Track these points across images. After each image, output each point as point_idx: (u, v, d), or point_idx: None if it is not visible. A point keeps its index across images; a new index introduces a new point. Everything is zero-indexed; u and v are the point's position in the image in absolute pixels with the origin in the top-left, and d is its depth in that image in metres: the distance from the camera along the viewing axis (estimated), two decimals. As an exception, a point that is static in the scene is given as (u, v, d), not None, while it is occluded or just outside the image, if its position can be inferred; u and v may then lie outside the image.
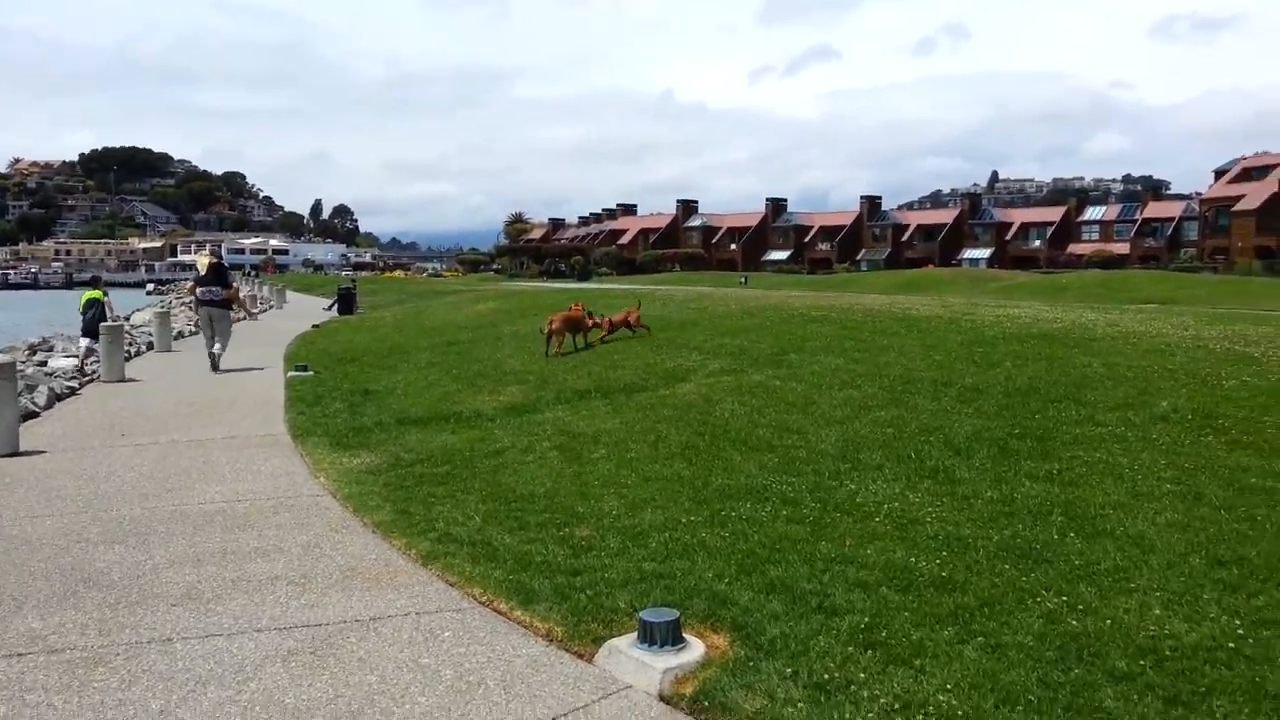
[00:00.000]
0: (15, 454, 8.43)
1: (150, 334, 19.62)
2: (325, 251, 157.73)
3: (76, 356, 15.72)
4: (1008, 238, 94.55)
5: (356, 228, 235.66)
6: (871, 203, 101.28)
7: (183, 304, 35.01)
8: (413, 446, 8.12)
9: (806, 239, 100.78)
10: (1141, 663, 3.51)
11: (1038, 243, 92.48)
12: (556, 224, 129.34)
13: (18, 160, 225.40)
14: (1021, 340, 10.28)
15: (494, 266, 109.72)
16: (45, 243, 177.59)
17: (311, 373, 13.83)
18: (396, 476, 7.06)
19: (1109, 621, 3.82)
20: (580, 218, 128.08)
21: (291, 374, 13.75)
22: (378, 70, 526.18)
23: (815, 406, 7.88)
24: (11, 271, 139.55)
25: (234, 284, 15.85)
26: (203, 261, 15.17)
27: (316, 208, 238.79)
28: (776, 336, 12.21)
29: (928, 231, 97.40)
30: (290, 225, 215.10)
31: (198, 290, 15.04)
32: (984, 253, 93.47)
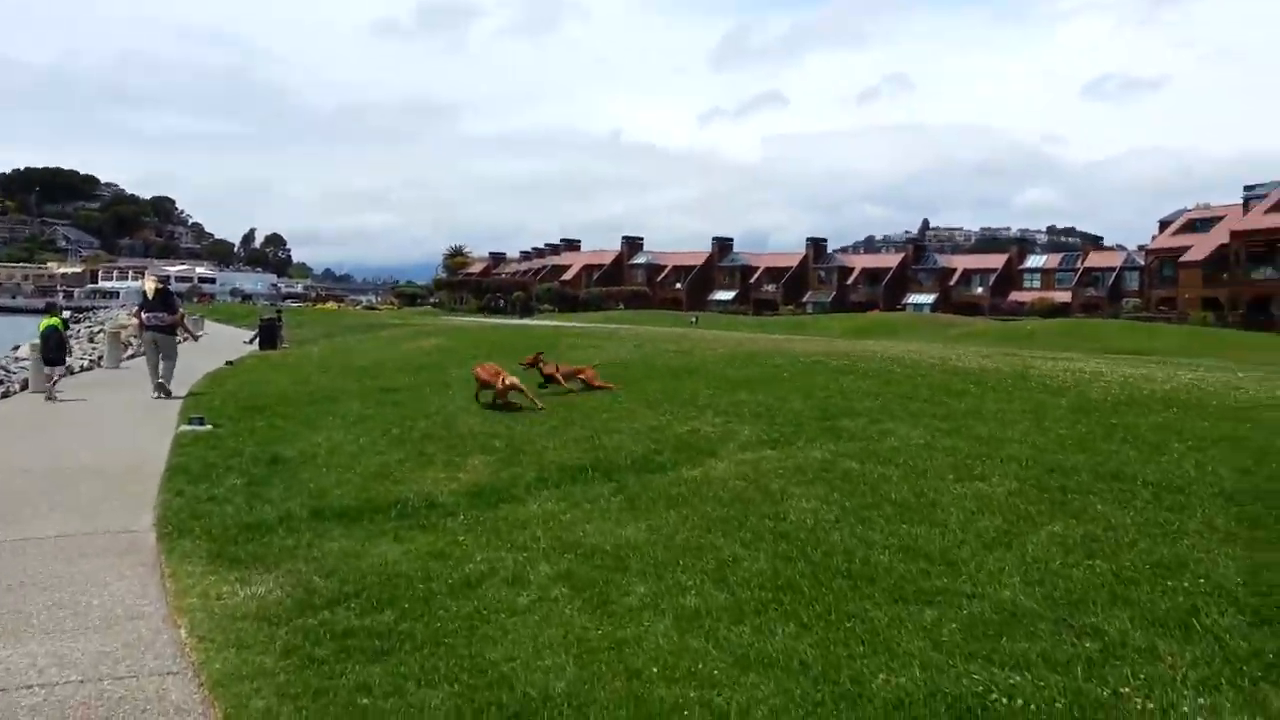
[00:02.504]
0: None
1: (28, 371, 16.33)
2: (255, 281, 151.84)
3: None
4: (951, 283, 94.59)
5: (289, 257, 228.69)
6: (817, 245, 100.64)
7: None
8: (334, 565, 5.35)
9: (752, 279, 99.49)
10: None
11: (980, 289, 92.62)
12: (497, 258, 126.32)
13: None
14: (1147, 408, 7.94)
15: (432, 300, 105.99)
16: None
17: (209, 427, 10.89)
18: (305, 636, 4.30)
19: None
20: (523, 252, 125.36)
21: (183, 428, 10.80)
22: (326, 99, 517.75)
23: (939, 510, 5.36)
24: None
25: (180, 309, 16.18)
26: (150, 287, 15.49)
27: (249, 236, 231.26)
28: (806, 393, 9.73)
29: (872, 275, 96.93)
30: (219, 253, 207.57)
31: (144, 315, 15.10)
32: (928, 298, 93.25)
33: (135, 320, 17.02)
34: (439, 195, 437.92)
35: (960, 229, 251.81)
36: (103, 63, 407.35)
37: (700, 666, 3.64)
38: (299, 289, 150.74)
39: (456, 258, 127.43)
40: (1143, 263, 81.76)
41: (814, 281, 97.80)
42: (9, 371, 17.77)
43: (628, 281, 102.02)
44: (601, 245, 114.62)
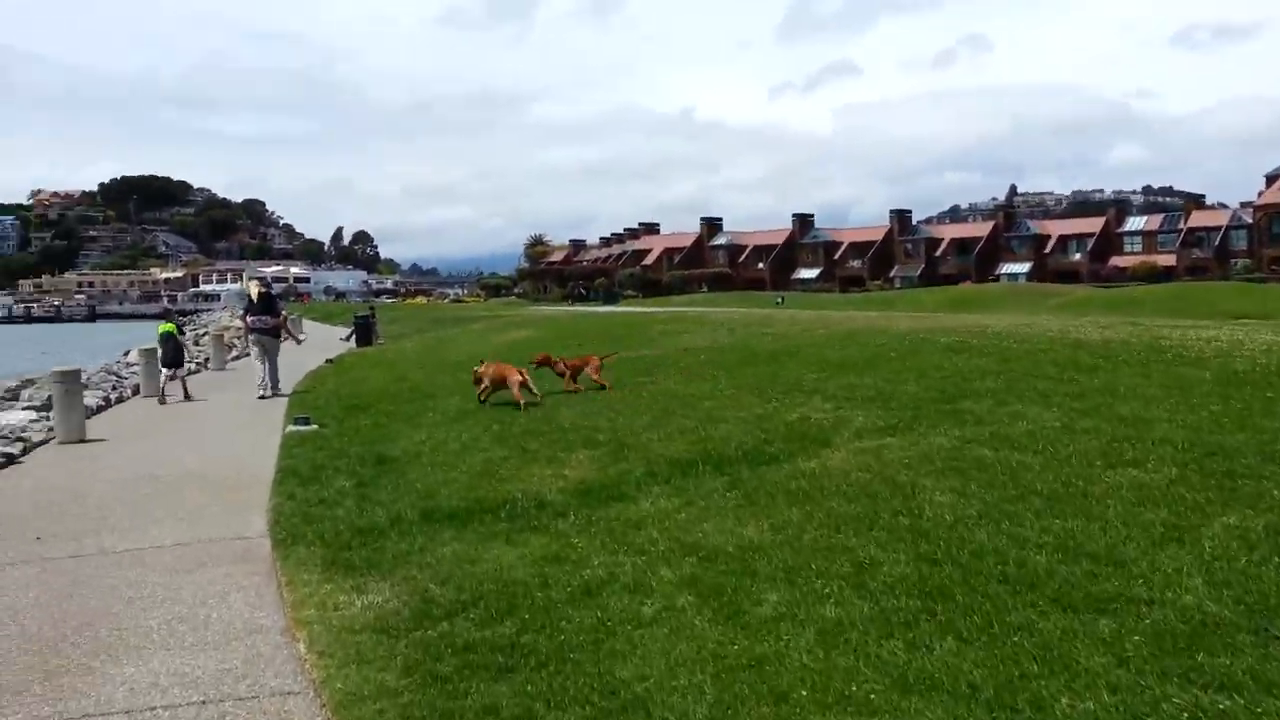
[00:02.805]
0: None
1: (138, 377, 16.85)
2: (346, 278, 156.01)
3: (35, 408, 12.99)
4: (1046, 250, 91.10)
5: (377, 254, 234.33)
6: (902, 218, 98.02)
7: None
8: (449, 571, 5.19)
9: (836, 256, 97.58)
10: None
11: (1078, 255, 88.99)
12: (578, 245, 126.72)
13: (38, 191, 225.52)
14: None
15: (516, 291, 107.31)
16: (68, 275, 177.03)
17: (314, 426, 10.99)
18: (425, 650, 4.13)
19: None
20: (602, 238, 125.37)
21: (290, 429, 10.91)
22: (398, 95, 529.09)
23: (1093, 502, 4.90)
24: (34, 305, 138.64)
25: (282, 311, 16.60)
26: (253, 291, 15.99)
27: (337, 234, 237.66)
28: (919, 373, 9.25)
29: (961, 246, 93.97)
30: (310, 253, 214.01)
31: (249, 319, 15.58)
32: (1022, 267, 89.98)
33: (241, 323, 17.45)
34: (513, 184, 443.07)
35: (1050, 193, 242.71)
36: (182, 70, 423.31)
37: (854, 689, 3.32)
38: (389, 284, 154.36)
39: (537, 247, 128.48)
40: (1250, 220, 77.31)
41: (900, 255, 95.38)
42: (121, 377, 18.38)
43: (709, 263, 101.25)
44: (676, 227, 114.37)
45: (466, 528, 6.09)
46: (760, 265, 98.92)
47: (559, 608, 4.45)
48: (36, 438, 10.96)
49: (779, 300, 58.30)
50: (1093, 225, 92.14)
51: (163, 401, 14.73)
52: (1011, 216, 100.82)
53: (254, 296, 15.75)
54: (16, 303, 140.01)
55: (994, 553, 4.37)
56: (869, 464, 6.21)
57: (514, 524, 6.04)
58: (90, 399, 13.82)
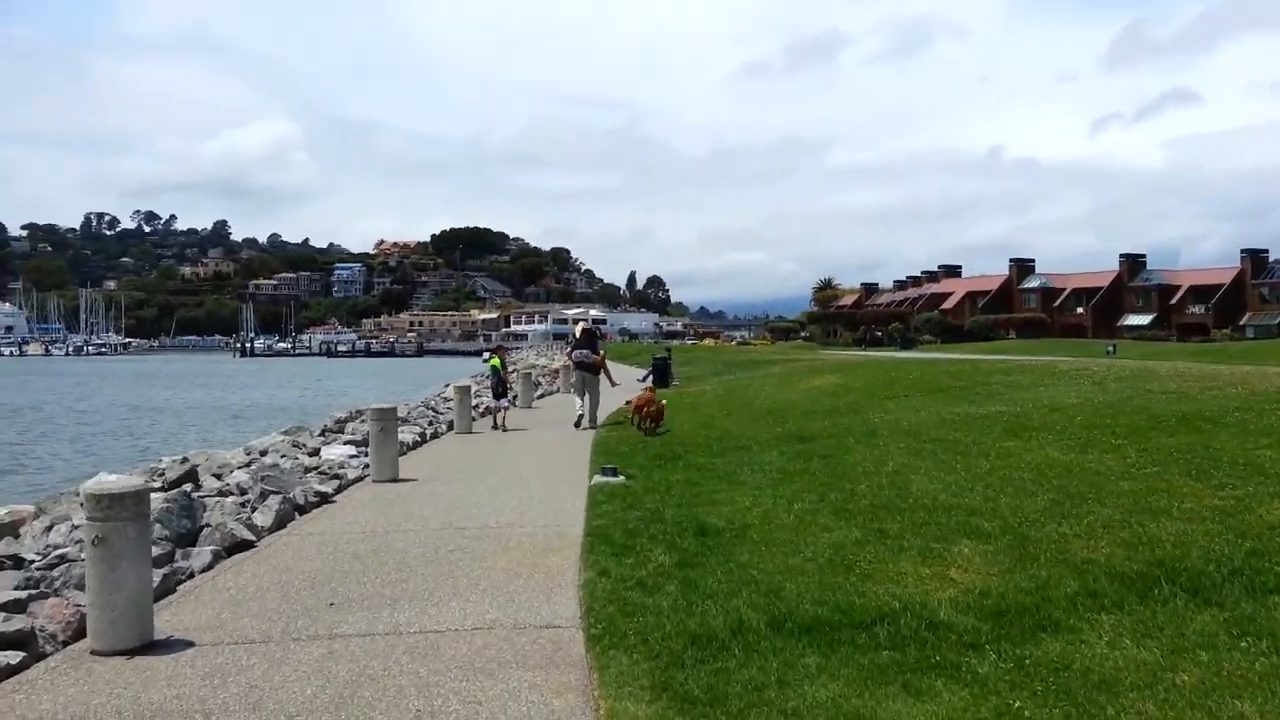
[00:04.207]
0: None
1: (453, 413, 17.03)
2: (639, 321, 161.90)
3: (356, 443, 13.12)
4: None
5: (668, 297, 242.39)
6: (1255, 258, 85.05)
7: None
8: (833, 733, 3.58)
9: (1173, 301, 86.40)
10: None
11: None
12: (870, 289, 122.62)
13: (381, 242, 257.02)
14: None
15: (803, 334, 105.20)
16: (401, 315, 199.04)
17: (622, 478, 9.92)
18: None
19: None
20: (896, 282, 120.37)
21: (597, 479, 9.92)
22: (700, 146, 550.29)
23: None
24: (374, 341, 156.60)
25: (602, 351, 17.14)
26: (579, 329, 16.87)
27: (631, 279, 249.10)
28: None
29: (1338, 290, 79.76)
30: (608, 296, 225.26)
31: (573, 354, 16.47)
32: None
33: (566, 358, 18.77)
34: (806, 230, 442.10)
35: None
36: (512, 132, 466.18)
37: None
38: (678, 326, 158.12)
39: (826, 290, 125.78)
40: None
41: (1254, 301, 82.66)
42: (437, 412, 18.79)
43: (1018, 308, 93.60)
44: (981, 269, 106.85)
45: (834, 651, 4.47)
46: (1080, 310, 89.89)
47: None
48: (352, 474, 10.79)
49: (1110, 349, 51.78)
50: None
51: (495, 427, 16.33)
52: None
53: (578, 333, 16.67)
54: (359, 339, 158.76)
55: None
56: None
57: (903, 654, 4.34)
58: (407, 434, 13.84)
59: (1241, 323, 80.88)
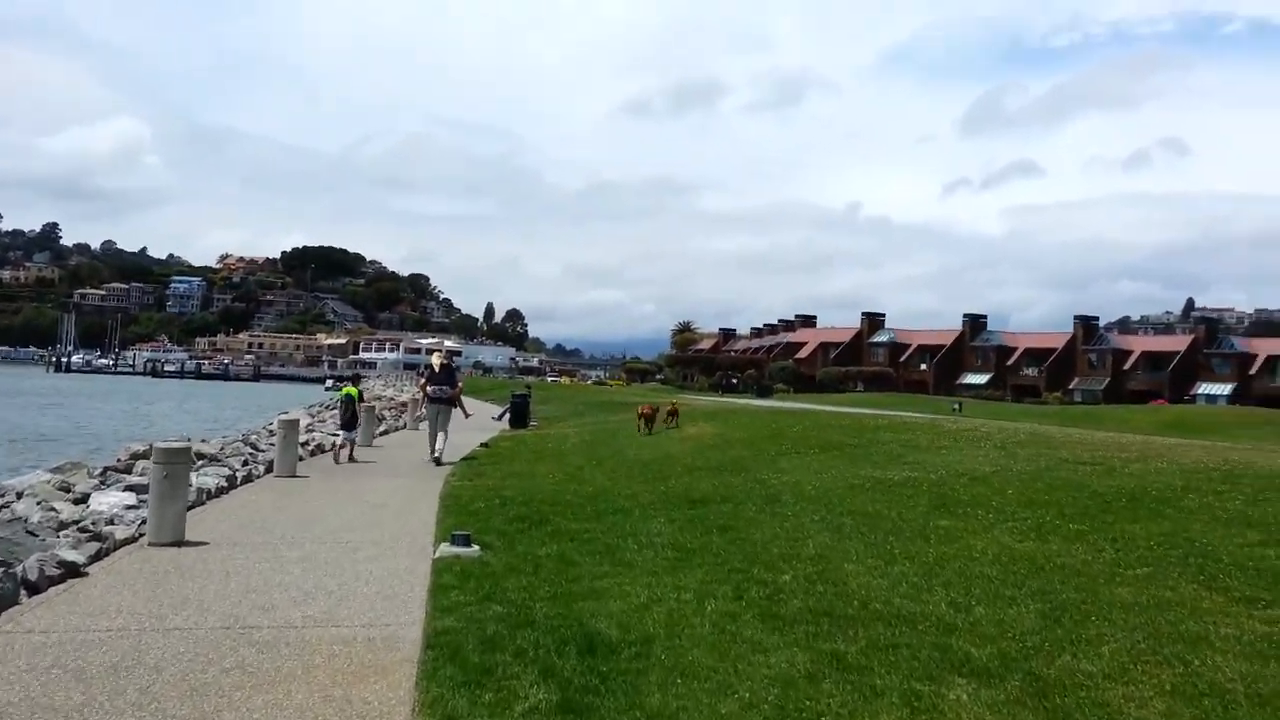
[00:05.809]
0: None
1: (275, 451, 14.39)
2: (496, 354, 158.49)
3: (137, 489, 10.49)
4: (1251, 371, 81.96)
5: (526, 332, 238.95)
6: (1087, 325, 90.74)
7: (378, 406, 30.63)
8: None
9: (1009, 361, 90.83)
10: None
11: (1291, 378, 79.48)
12: (728, 334, 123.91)
13: (226, 255, 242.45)
14: None
15: (658, 377, 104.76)
16: (241, 335, 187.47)
17: (476, 550, 7.88)
18: None
19: None
20: (754, 329, 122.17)
21: (443, 550, 7.85)
22: (575, 179, 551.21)
23: None
24: (205, 362, 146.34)
25: (460, 385, 16.71)
26: (436, 361, 16.14)
27: (489, 311, 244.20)
28: None
29: (1154, 360, 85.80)
30: (465, 327, 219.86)
31: (429, 388, 15.77)
32: (1223, 388, 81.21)
33: (420, 391, 17.88)
34: (670, 270, 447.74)
35: (1231, 309, 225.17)
36: (383, 150, 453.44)
37: None
38: (534, 363, 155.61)
39: (685, 334, 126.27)
40: None
41: (1083, 366, 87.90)
42: (256, 449, 16.10)
43: (867, 361, 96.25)
44: (836, 321, 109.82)
45: None
46: (923, 366, 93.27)
47: None
48: (121, 534, 8.28)
49: (955, 407, 53.10)
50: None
51: (337, 461, 15.17)
52: (1213, 332, 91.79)
53: (436, 366, 15.95)
54: (190, 358, 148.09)
55: None
56: None
57: None
58: (211, 478, 11.31)
59: (1070, 386, 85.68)
